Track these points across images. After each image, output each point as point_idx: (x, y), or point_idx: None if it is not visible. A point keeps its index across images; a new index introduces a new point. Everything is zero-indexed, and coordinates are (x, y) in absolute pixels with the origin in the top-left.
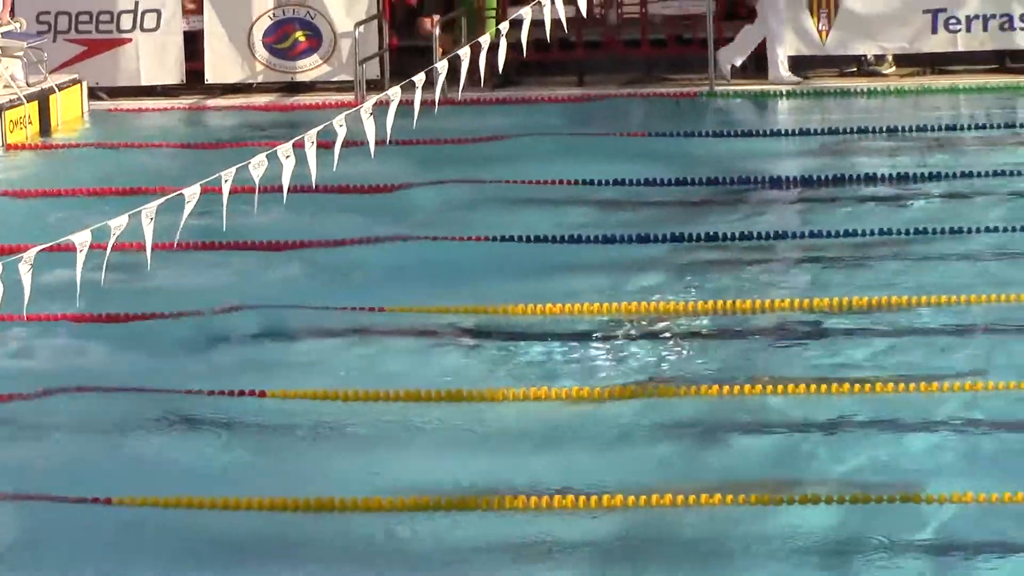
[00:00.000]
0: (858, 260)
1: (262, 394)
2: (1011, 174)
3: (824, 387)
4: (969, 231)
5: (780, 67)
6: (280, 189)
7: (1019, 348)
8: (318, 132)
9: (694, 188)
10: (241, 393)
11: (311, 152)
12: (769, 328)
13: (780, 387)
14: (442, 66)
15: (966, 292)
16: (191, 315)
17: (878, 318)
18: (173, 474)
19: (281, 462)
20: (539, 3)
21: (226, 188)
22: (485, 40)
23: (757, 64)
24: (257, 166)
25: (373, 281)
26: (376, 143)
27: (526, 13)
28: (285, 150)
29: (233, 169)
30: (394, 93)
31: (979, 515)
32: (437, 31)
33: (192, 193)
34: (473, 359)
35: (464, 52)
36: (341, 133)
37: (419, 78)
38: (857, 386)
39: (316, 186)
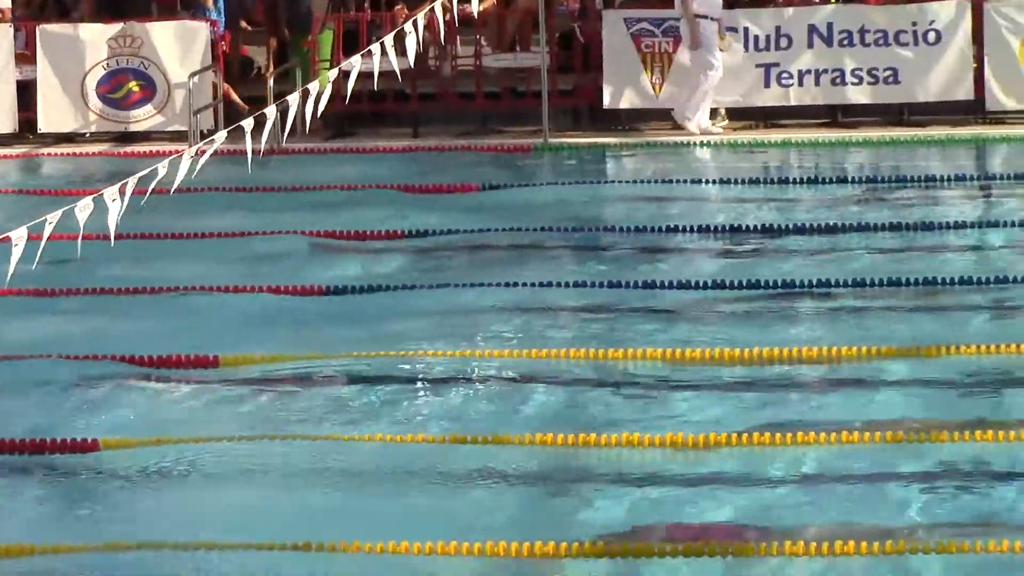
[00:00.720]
0: (694, 312)
1: (95, 443)
2: (841, 229)
3: (646, 440)
4: (799, 284)
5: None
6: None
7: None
8: (140, 178)
9: (528, 235)
10: (74, 441)
11: (126, 197)
12: (609, 378)
13: (615, 438)
14: (271, 112)
15: (789, 345)
16: (17, 360)
17: (699, 371)
18: (5, 522)
19: (116, 510)
20: (371, 53)
21: (47, 230)
22: (314, 88)
23: (592, 116)
24: (82, 209)
25: (207, 329)
26: (204, 190)
27: (355, 62)
28: (112, 194)
29: (59, 212)
30: (220, 138)
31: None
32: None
33: (19, 236)
34: (309, 405)
35: (293, 100)
36: (160, 174)
37: (248, 123)
38: (669, 436)
39: (152, 233)
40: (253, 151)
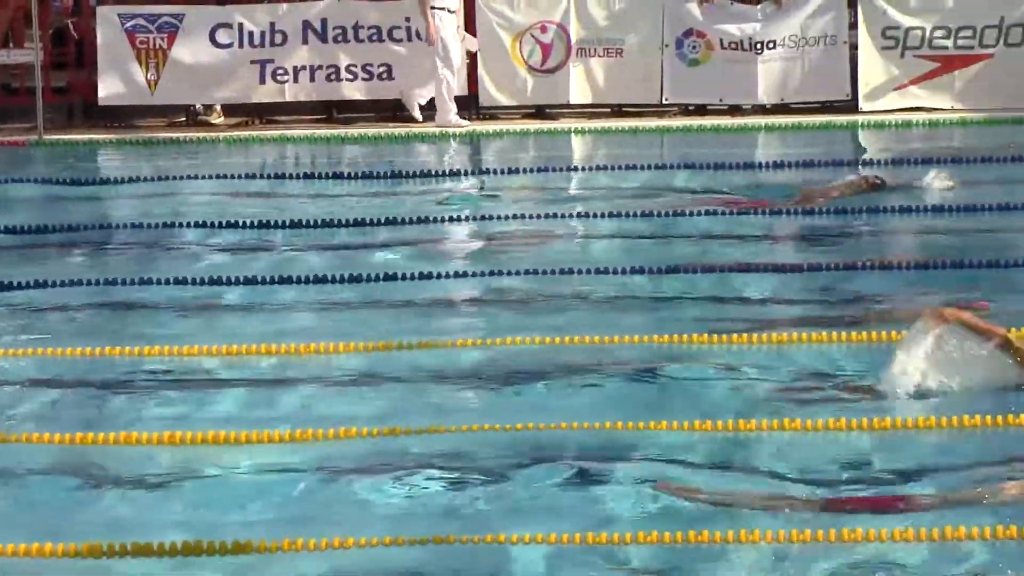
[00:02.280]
0: (191, 310)
1: None
2: (337, 224)
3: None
4: (294, 281)
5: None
6: None
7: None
8: None
9: (22, 236)
10: None
11: None
12: (117, 376)
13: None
14: None
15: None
16: None
17: (210, 367)
18: None
19: None
20: None
21: None
22: None
23: (87, 112)
24: None
25: None
26: None
27: None
28: None
29: None
30: None
31: None
32: None
33: None
34: None
35: None
36: None
37: None
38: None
39: None
40: None
